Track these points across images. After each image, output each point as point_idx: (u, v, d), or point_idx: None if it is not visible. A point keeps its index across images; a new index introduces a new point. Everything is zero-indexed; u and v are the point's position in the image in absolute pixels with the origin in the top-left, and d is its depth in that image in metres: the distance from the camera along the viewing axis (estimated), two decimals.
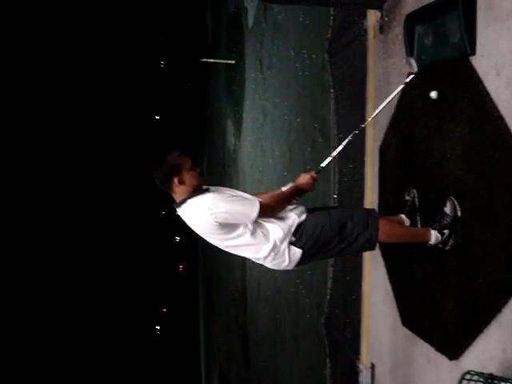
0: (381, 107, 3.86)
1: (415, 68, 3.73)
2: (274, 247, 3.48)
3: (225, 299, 21.70)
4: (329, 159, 3.85)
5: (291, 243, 3.51)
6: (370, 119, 4.04)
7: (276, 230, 3.47)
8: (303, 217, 3.56)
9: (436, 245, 3.56)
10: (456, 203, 3.43)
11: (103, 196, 50.30)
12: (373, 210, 3.84)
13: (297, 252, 3.52)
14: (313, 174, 3.67)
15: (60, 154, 47.12)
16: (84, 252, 48.21)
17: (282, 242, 3.47)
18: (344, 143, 3.87)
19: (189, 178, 3.47)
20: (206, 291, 35.52)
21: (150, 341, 53.89)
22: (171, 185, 3.47)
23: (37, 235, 45.19)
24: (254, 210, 3.35)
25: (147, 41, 48.54)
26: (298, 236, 3.50)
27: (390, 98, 3.82)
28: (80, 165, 48.54)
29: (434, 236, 3.54)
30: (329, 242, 3.53)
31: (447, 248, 3.55)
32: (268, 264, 3.62)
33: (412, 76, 3.71)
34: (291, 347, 9.67)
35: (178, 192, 3.49)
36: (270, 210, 3.46)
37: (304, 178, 3.64)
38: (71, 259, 47.30)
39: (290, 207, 3.59)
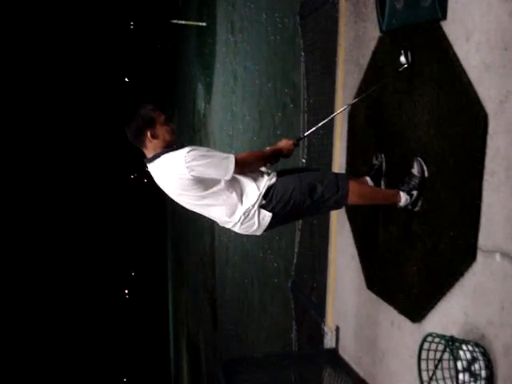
0: (374, 88, 3.89)
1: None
2: (246, 210, 3.46)
3: (193, 264, 21.77)
4: (312, 129, 3.91)
5: (261, 206, 3.49)
6: (363, 95, 4.02)
7: (249, 191, 3.46)
8: (273, 180, 3.54)
9: (405, 206, 3.58)
10: (423, 164, 3.45)
11: (71, 160, 49.70)
12: (342, 173, 3.86)
13: (266, 215, 3.50)
14: (294, 141, 3.71)
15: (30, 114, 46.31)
16: (52, 216, 47.77)
17: (253, 205, 3.46)
18: (330, 117, 3.94)
19: (162, 132, 3.43)
20: (174, 255, 35.57)
21: (118, 304, 53.93)
22: (144, 139, 3.42)
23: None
24: (231, 162, 3.32)
25: (117, 1, 47.52)
26: (268, 199, 3.49)
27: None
28: (51, 126, 47.77)
29: (404, 197, 3.56)
30: (299, 205, 3.52)
31: (416, 209, 3.57)
32: (237, 228, 3.60)
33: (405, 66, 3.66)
34: (259, 311, 9.77)
35: (151, 147, 3.43)
36: (245, 165, 3.44)
37: (286, 143, 3.67)
38: (40, 222, 46.89)
39: (263, 170, 3.59)
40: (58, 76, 47.50)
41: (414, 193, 3.51)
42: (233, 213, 3.49)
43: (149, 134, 3.39)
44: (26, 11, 43.58)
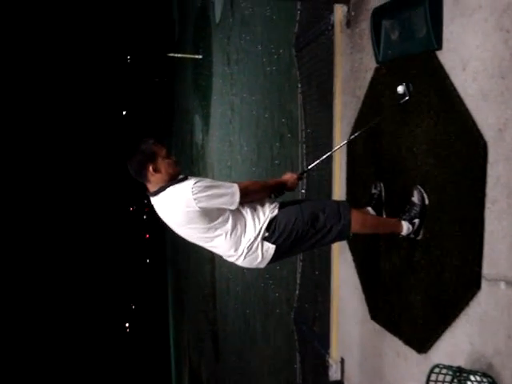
0: (373, 122, 3.91)
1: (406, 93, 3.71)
2: (249, 242, 3.45)
3: (194, 295, 21.64)
4: (315, 163, 3.95)
5: (264, 238, 3.47)
6: (363, 130, 4.03)
7: (252, 223, 3.45)
8: (275, 211, 3.53)
9: (408, 235, 3.57)
10: (423, 191, 3.45)
11: (71, 192, 49.71)
12: (343, 201, 3.85)
13: (270, 248, 3.48)
14: (298, 174, 3.77)
15: (24, 149, 46.38)
16: (52, 248, 47.61)
17: (256, 237, 3.45)
18: (332, 151, 4.03)
19: (164, 166, 3.41)
20: (175, 287, 35.38)
21: (119, 338, 53.50)
22: (146, 173, 3.40)
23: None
24: (236, 191, 3.34)
25: (114, 35, 48.00)
26: (271, 231, 3.47)
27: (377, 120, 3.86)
28: (47, 160, 47.83)
29: (406, 226, 3.54)
30: (302, 236, 3.51)
31: (419, 238, 3.56)
32: (240, 261, 3.57)
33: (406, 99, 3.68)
34: (261, 342, 9.67)
35: (154, 181, 3.42)
36: (248, 193, 3.45)
37: (291, 177, 3.72)
38: (41, 254, 46.70)
39: (265, 202, 3.58)
40: (57, 111, 47.74)
41: (416, 221, 3.50)
42: (237, 245, 3.47)
43: (151, 168, 3.38)
44: (26, 46, 43.96)
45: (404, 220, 3.55)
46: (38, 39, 44.62)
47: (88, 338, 48.77)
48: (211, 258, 14.99)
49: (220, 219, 3.39)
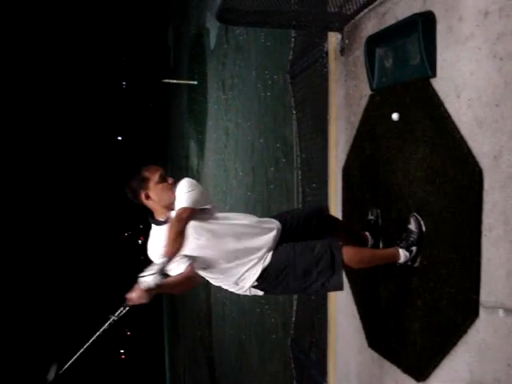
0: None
1: None
2: (240, 287, 3.46)
3: (190, 320, 21.48)
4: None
5: (253, 287, 3.46)
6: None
7: (243, 277, 3.41)
8: (268, 260, 3.41)
9: (405, 263, 3.54)
10: (420, 219, 3.44)
11: (66, 216, 49.56)
12: (336, 243, 3.53)
13: (258, 292, 3.49)
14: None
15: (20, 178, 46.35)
16: (46, 274, 47.33)
17: (245, 287, 3.45)
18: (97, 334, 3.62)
19: (157, 192, 3.35)
20: (170, 313, 35.12)
21: (114, 364, 52.96)
22: (140, 200, 3.38)
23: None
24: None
25: (109, 61, 48.29)
26: (261, 281, 3.42)
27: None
28: (41, 184, 47.76)
29: (403, 254, 3.52)
30: (292, 288, 3.49)
31: (416, 265, 3.54)
32: (226, 287, 3.57)
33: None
34: (258, 368, 9.59)
35: (152, 207, 3.41)
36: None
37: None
38: (32, 276, 46.40)
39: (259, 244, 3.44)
40: (53, 137, 47.84)
41: (413, 249, 3.48)
42: (227, 274, 3.45)
43: (143, 195, 3.36)
44: (21, 73, 44.16)
45: (401, 248, 3.53)
46: (34, 63, 44.85)
47: (83, 365, 48.26)
48: (206, 283, 14.90)
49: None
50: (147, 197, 3.36)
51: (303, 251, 3.45)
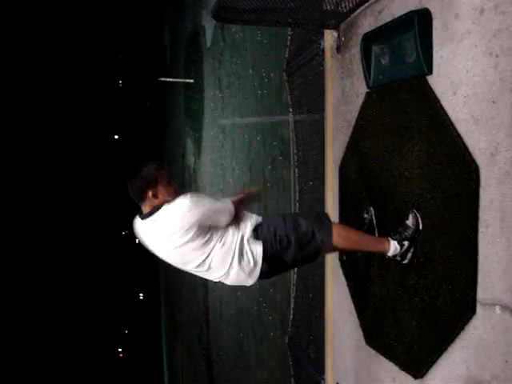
0: None
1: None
2: (239, 244, 3.47)
3: (187, 319, 21.48)
4: None
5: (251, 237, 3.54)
6: None
7: (239, 230, 3.50)
8: (260, 219, 3.60)
9: (394, 256, 3.53)
10: (418, 216, 3.43)
11: (64, 215, 49.51)
12: (325, 213, 3.88)
13: (258, 250, 3.49)
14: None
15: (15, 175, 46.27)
16: (45, 269, 47.30)
17: (243, 238, 3.48)
18: None
19: (163, 193, 3.40)
20: (167, 311, 35.13)
21: (112, 363, 52.97)
22: (145, 197, 3.40)
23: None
24: (231, 208, 3.43)
25: (105, 60, 48.23)
26: (256, 235, 3.52)
27: None
28: (38, 183, 47.71)
29: (393, 246, 3.50)
30: (286, 243, 3.52)
31: (405, 262, 3.54)
32: (233, 272, 3.51)
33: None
34: (255, 366, 9.60)
35: (150, 205, 3.42)
36: (239, 211, 3.52)
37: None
38: (32, 276, 46.38)
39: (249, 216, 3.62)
40: (48, 135, 47.77)
41: (405, 243, 3.46)
42: (228, 254, 3.46)
43: (150, 193, 3.37)
44: (18, 73, 44.09)
45: (394, 240, 3.52)
46: (30, 64, 44.76)
47: (80, 363, 48.27)
48: (204, 281, 14.92)
49: (211, 233, 3.39)
50: (154, 195, 3.39)
51: (292, 213, 3.74)
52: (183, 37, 20.52)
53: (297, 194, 6.23)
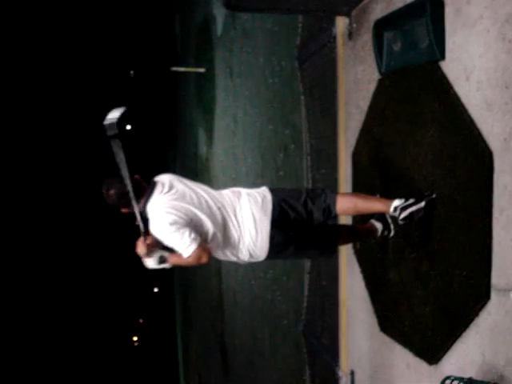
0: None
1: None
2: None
3: (202, 308, 21.58)
4: None
5: None
6: None
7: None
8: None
9: (394, 210, 3.51)
10: (433, 200, 3.39)
11: (80, 206, 49.75)
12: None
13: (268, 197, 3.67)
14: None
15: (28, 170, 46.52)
16: (60, 259, 47.63)
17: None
18: None
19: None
20: (182, 300, 35.32)
21: (127, 352, 53.36)
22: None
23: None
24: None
25: (116, 51, 48.24)
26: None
27: None
28: (50, 177, 47.95)
29: (393, 207, 3.52)
30: (293, 205, 3.66)
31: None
32: (247, 240, 3.61)
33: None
34: (270, 354, 9.63)
35: None
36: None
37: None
38: (47, 264, 46.70)
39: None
40: (59, 127, 47.93)
41: (411, 210, 3.43)
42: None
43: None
44: (29, 62, 44.21)
45: (397, 199, 3.54)
46: (41, 53, 44.86)
47: (95, 352, 48.66)
48: (218, 270, 14.97)
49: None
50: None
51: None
52: (194, 26, 20.46)
53: (310, 182, 6.23)
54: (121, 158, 3.38)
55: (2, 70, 39.89)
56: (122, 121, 3.55)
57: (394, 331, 4.03)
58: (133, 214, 3.55)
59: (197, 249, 3.33)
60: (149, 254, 3.47)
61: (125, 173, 3.38)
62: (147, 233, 3.52)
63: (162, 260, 3.44)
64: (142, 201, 3.54)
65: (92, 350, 48.56)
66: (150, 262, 3.49)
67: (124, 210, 3.65)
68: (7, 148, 41.65)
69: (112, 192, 3.55)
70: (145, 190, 3.57)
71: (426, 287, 3.50)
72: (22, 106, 44.91)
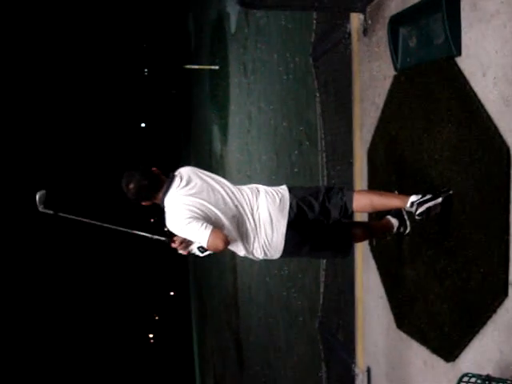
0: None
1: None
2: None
3: (217, 305, 21.64)
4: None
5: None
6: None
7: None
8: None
9: (411, 205, 3.49)
10: (449, 197, 3.37)
11: (92, 206, 49.97)
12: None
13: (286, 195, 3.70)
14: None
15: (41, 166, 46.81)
16: (76, 260, 47.93)
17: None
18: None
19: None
20: (197, 297, 35.43)
21: (143, 349, 53.60)
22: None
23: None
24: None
25: (130, 49, 48.38)
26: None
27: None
28: (62, 171, 48.19)
29: (410, 202, 3.49)
30: (310, 202, 3.67)
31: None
32: (262, 239, 3.63)
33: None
34: (285, 351, 9.64)
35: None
36: None
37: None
38: (61, 266, 47.02)
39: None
40: (75, 125, 48.17)
41: (428, 205, 3.40)
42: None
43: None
44: (44, 64, 44.47)
45: (414, 195, 3.52)
46: (55, 54, 45.10)
47: (111, 349, 48.93)
48: (233, 267, 15.00)
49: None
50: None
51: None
52: (208, 23, 20.48)
53: (325, 179, 6.22)
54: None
55: (18, 69, 40.11)
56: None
57: (411, 328, 4.02)
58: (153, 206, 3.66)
59: (210, 234, 3.35)
60: (189, 248, 3.61)
61: None
62: (170, 237, 3.63)
63: (202, 249, 3.52)
64: (160, 194, 3.59)
65: (107, 346, 48.81)
66: (197, 253, 3.59)
67: (145, 203, 3.69)
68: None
69: (132, 186, 3.60)
70: (163, 182, 3.62)
71: (443, 284, 3.49)
72: (37, 103, 45.13)
